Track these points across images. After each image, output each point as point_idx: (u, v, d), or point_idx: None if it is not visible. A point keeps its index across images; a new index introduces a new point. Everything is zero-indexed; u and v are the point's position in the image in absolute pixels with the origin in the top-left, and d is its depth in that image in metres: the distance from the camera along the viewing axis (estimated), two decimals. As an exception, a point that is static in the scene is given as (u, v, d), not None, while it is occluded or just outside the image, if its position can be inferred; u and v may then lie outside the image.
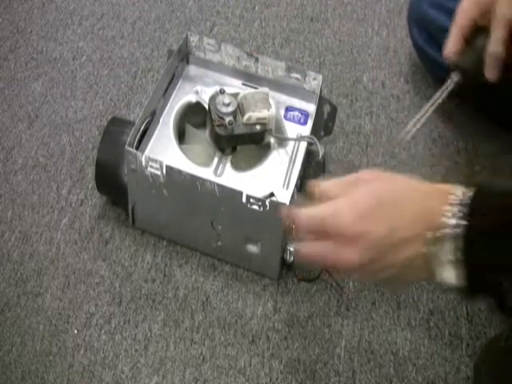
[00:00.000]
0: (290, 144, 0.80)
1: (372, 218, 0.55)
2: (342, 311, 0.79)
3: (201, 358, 0.75)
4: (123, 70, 1.04)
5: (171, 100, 0.83)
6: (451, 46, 0.75)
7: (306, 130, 0.81)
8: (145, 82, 1.02)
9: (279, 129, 0.81)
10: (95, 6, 1.13)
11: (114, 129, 0.82)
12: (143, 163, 0.73)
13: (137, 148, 0.76)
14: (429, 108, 0.74)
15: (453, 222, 0.51)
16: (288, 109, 0.84)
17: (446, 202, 0.52)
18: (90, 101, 0.99)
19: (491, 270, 0.50)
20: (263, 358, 0.75)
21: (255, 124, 0.77)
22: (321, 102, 0.82)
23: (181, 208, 0.77)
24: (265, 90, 0.79)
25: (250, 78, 0.85)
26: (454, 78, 0.73)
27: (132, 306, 0.79)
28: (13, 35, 1.08)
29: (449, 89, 0.73)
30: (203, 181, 0.71)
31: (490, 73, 0.72)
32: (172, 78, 0.84)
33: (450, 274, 0.52)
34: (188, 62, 0.87)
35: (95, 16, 1.12)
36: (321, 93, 0.81)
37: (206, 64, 0.87)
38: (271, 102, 0.78)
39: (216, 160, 0.79)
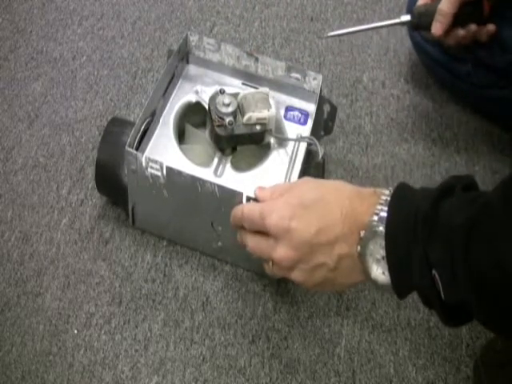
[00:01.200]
0: (290, 144, 0.80)
1: (299, 218, 0.58)
2: (342, 311, 0.79)
3: (201, 357, 0.75)
4: (123, 69, 1.04)
5: (171, 100, 0.83)
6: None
7: (306, 130, 0.81)
8: (145, 82, 1.02)
9: (279, 129, 0.81)
10: (95, 6, 1.13)
11: (114, 129, 0.81)
12: (143, 164, 0.73)
13: (137, 148, 0.76)
14: (367, 27, 0.85)
15: (377, 219, 0.54)
16: (288, 109, 0.84)
17: (377, 202, 0.55)
18: (89, 101, 0.99)
19: (412, 264, 0.51)
20: (263, 357, 0.75)
21: (255, 124, 0.77)
22: (321, 101, 0.82)
23: (181, 208, 0.77)
24: (265, 89, 0.79)
25: (249, 78, 0.85)
26: (403, 18, 0.84)
27: (132, 305, 0.79)
28: (13, 35, 1.08)
29: (394, 22, 0.84)
30: (203, 182, 0.71)
31: (435, 27, 0.81)
32: (172, 78, 0.84)
33: (379, 272, 0.54)
34: (188, 62, 0.87)
35: (95, 16, 1.12)
36: (321, 92, 0.81)
37: (206, 63, 0.87)
38: (271, 101, 0.78)
39: (216, 160, 0.79)
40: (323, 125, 0.85)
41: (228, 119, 0.75)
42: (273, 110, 0.77)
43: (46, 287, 0.80)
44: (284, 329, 0.77)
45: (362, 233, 0.55)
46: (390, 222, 0.53)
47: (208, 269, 0.82)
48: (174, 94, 0.83)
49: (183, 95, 0.83)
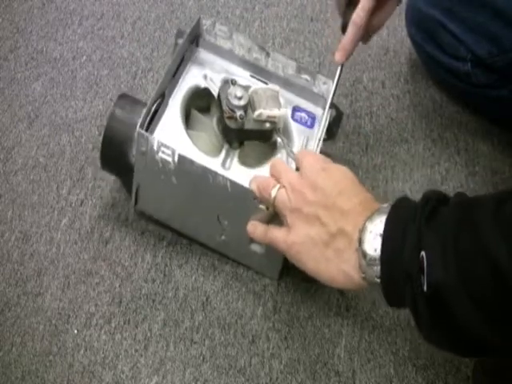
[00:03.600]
0: (297, 144, 0.80)
1: (332, 174, 0.62)
2: (341, 311, 0.79)
3: (201, 357, 0.75)
4: (123, 69, 1.04)
5: (180, 82, 0.81)
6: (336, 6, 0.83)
7: (313, 133, 0.81)
8: (145, 82, 1.02)
9: (286, 128, 0.81)
10: (95, 6, 1.13)
11: (125, 105, 0.79)
12: (155, 148, 0.71)
13: (147, 129, 0.74)
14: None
15: (386, 205, 0.56)
16: (295, 109, 0.83)
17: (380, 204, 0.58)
18: (89, 101, 0.99)
19: (406, 242, 0.52)
20: (263, 357, 0.75)
21: (265, 121, 0.76)
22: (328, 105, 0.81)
23: (188, 197, 0.76)
24: (275, 87, 0.78)
25: (258, 71, 0.84)
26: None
27: (132, 305, 0.79)
28: (13, 35, 1.08)
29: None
30: (216, 174, 0.70)
31: (337, 56, 0.80)
32: (181, 61, 0.82)
33: (372, 247, 0.54)
34: (198, 45, 0.86)
35: (95, 16, 1.12)
36: (332, 100, 0.80)
37: (216, 50, 0.85)
38: (281, 100, 0.77)
39: (224, 152, 0.78)
40: (327, 129, 0.83)
41: (239, 113, 0.75)
42: (284, 110, 0.77)
43: (46, 287, 0.80)
44: (284, 329, 0.77)
45: (368, 215, 0.56)
46: (395, 205, 0.55)
47: (208, 269, 0.82)
48: (182, 77, 0.82)
49: (191, 79, 0.82)
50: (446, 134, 0.98)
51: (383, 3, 0.78)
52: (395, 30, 1.10)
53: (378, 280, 0.54)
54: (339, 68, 0.79)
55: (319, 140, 0.76)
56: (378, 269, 0.54)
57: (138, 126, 0.71)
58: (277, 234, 0.64)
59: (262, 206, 0.68)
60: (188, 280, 0.81)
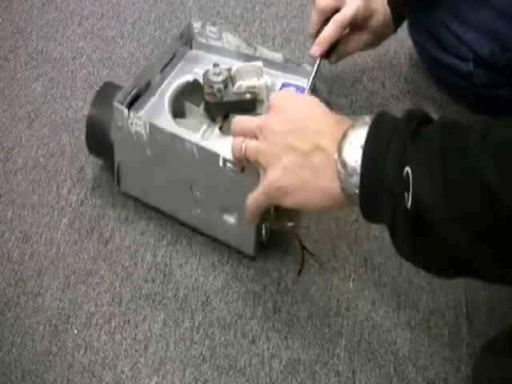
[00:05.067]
0: None
1: (298, 102, 0.62)
2: (341, 311, 0.79)
3: (201, 357, 0.75)
4: (123, 70, 1.04)
5: (170, 76, 0.84)
6: (310, 28, 0.86)
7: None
8: (145, 81, 1.02)
9: None
10: (95, 6, 1.13)
11: (107, 91, 0.83)
12: (129, 120, 0.74)
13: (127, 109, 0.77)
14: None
15: (367, 118, 0.55)
16: (284, 85, 0.84)
17: (358, 118, 0.56)
18: (89, 101, 0.99)
19: (388, 156, 0.51)
20: (263, 357, 0.75)
21: (245, 92, 0.78)
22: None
23: (162, 170, 0.78)
24: (258, 63, 0.81)
25: (250, 60, 0.85)
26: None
27: (132, 306, 0.79)
28: (13, 35, 1.08)
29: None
30: (183, 140, 0.72)
31: (313, 49, 0.83)
32: (173, 59, 0.85)
33: (352, 158, 0.53)
34: (191, 47, 0.88)
35: (95, 16, 1.12)
36: (316, 74, 0.81)
37: (208, 48, 0.88)
38: (264, 74, 0.80)
39: (205, 126, 0.80)
40: None
41: (217, 86, 0.77)
42: (263, 80, 0.79)
43: (46, 287, 0.80)
44: (284, 329, 0.77)
45: (347, 127, 0.55)
46: (377, 118, 0.54)
47: (208, 269, 0.82)
48: (173, 72, 0.85)
49: (182, 75, 0.85)
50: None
51: (367, 26, 0.82)
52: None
53: (357, 191, 0.53)
54: (317, 61, 0.82)
55: None
56: (357, 179, 0.53)
57: (114, 102, 0.75)
58: (260, 187, 0.63)
59: (231, 170, 0.70)
60: (188, 280, 0.81)
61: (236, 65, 0.81)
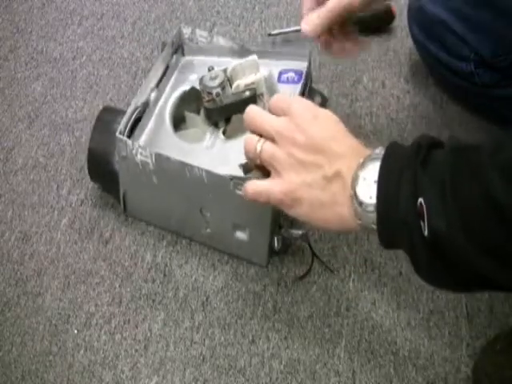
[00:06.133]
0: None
1: (323, 120, 0.60)
2: (341, 311, 0.79)
3: (201, 357, 0.75)
4: (123, 69, 1.04)
5: (167, 90, 0.83)
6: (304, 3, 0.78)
7: (299, 87, 0.80)
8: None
9: (273, 93, 0.79)
10: (95, 6, 1.13)
11: (106, 117, 0.83)
12: (133, 151, 0.74)
13: (128, 136, 0.76)
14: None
15: (378, 151, 0.55)
16: (282, 72, 0.83)
17: (373, 150, 0.57)
18: (89, 101, 0.99)
19: (401, 190, 0.51)
20: (263, 357, 0.75)
21: (244, 91, 0.77)
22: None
23: (170, 195, 0.77)
24: (253, 57, 0.78)
25: (245, 54, 0.83)
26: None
27: (132, 305, 0.79)
28: (13, 35, 1.08)
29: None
30: (191, 167, 0.72)
31: (304, 25, 0.75)
32: (167, 69, 0.84)
33: (367, 195, 0.54)
34: (183, 54, 0.87)
35: (95, 16, 1.12)
36: (310, 65, 0.80)
37: (201, 51, 0.86)
38: (260, 67, 0.78)
39: (208, 135, 0.79)
40: None
41: (215, 91, 0.76)
42: (260, 74, 0.77)
43: (46, 287, 0.80)
44: (284, 329, 0.77)
45: (362, 160, 0.55)
46: (388, 151, 0.54)
47: (208, 269, 0.82)
48: (169, 85, 0.83)
49: (179, 85, 0.83)
50: (446, 133, 0.98)
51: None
52: (395, 31, 1.10)
53: (374, 226, 0.54)
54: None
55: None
56: (374, 215, 0.53)
57: (117, 133, 0.74)
58: (269, 185, 0.61)
59: (239, 192, 0.68)
60: (188, 280, 0.81)
61: (231, 64, 0.79)
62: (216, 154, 0.77)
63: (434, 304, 0.79)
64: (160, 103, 0.81)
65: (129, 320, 0.78)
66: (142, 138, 0.78)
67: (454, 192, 0.48)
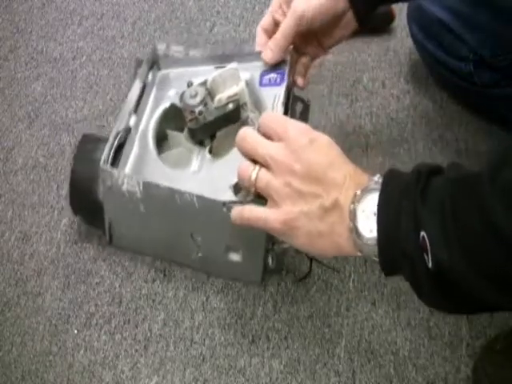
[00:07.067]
0: (269, 109, 0.75)
1: (320, 145, 0.58)
2: (341, 311, 0.79)
3: (201, 357, 0.75)
4: (123, 69, 1.04)
5: (147, 112, 0.79)
6: (263, 22, 0.78)
7: (281, 89, 0.75)
8: (145, 81, 1.02)
9: (257, 100, 0.76)
10: (95, 6, 1.13)
11: (87, 145, 0.79)
12: (119, 180, 0.71)
13: (112, 165, 0.72)
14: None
15: (376, 179, 0.55)
16: (263, 74, 0.78)
17: (372, 175, 0.56)
18: (89, 101, 0.99)
19: (401, 222, 0.51)
20: (263, 358, 0.75)
21: (227, 104, 0.73)
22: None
23: (159, 222, 0.75)
24: (233, 65, 0.74)
25: (224, 59, 0.80)
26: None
27: (132, 305, 0.79)
28: (13, 35, 1.08)
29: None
30: (182, 193, 0.69)
31: (265, 54, 0.76)
32: (144, 88, 0.80)
33: (367, 229, 0.53)
34: (159, 68, 0.83)
35: (95, 16, 1.12)
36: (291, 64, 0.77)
37: (177, 62, 0.83)
38: (241, 75, 0.74)
39: (194, 155, 0.76)
40: None
41: (198, 110, 0.73)
42: (242, 83, 0.73)
43: (46, 287, 0.80)
44: (284, 329, 0.77)
45: (359, 190, 0.54)
46: (386, 181, 0.54)
47: (208, 269, 0.82)
48: (148, 106, 0.80)
49: (159, 104, 0.79)
50: (446, 134, 0.98)
51: (337, 22, 0.75)
52: (395, 31, 1.10)
53: (376, 258, 0.54)
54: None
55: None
56: (375, 248, 0.53)
57: (101, 162, 0.71)
58: (266, 214, 0.59)
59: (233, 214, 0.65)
60: (188, 280, 0.81)
61: (210, 75, 0.74)
62: (204, 177, 0.73)
63: (434, 304, 0.79)
64: (141, 127, 0.77)
65: (129, 320, 0.78)
66: (128, 167, 0.74)
67: (455, 223, 0.47)
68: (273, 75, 0.77)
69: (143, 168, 0.74)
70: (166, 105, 0.79)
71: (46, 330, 0.77)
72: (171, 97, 0.79)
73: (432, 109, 1.00)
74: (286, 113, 0.75)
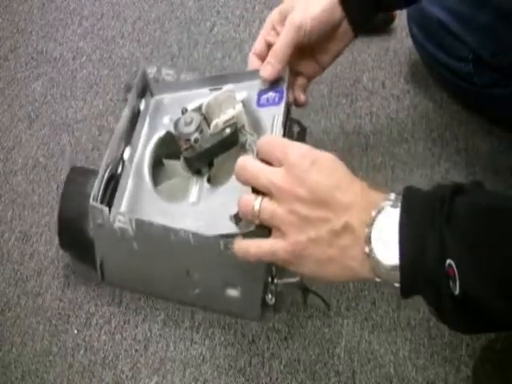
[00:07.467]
0: (268, 130, 0.72)
1: (323, 166, 0.56)
2: (341, 311, 0.79)
3: (201, 357, 0.75)
4: (123, 70, 1.04)
5: (141, 143, 0.76)
6: (256, 47, 0.76)
7: (280, 108, 0.72)
8: (145, 82, 1.02)
9: (255, 122, 0.73)
10: (95, 6, 1.13)
11: (76, 179, 0.76)
12: (110, 218, 0.68)
13: (102, 200, 0.69)
14: None
15: (393, 198, 0.52)
16: (260, 94, 0.74)
17: (388, 193, 0.54)
18: (89, 101, 0.99)
19: (427, 251, 0.49)
20: (263, 358, 0.75)
21: (224, 129, 0.69)
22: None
23: (153, 260, 0.72)
24: (228, 87, 0.71)
25: (217, 81, 0.77)
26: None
27: (132, 306, 0.79)
28: (13, 35, 1.08)
29: None
30: (176, 231, 0.66)
31: (263, 70, 0.73)
32: (135, 116, 0.77)
33: (385, 256, 0.51)
34: (152, 94, 0.80)
35: (95, 16, 1.12)
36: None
37: (171, 87, 0.79)
38: (237, 95, 0.71)
39: (192, 185, 0.73)
40: None
41: (193, 137, 0.69)
42: (239, 106, 0.69)
43: (45, 287, 0.80)
44: (284, 329, 0.77)
45: (374, 212, 0.52)
46: (406, 204, 0.51)
47: (208, 269, 0.82)
48: (142, 137, 0.76)
49: (153, 134, 0.76)
50: (446, 134, 0.98)
51: (334, 33, 0.74)
52: (395, 31, 1.10)
53: (397, 285, 0.52)
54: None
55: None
56: (395, 275, 0.51)
57: (90, 200, 0.68)
58: (273, 247, 0.57)
59: (233, 252, 0.63)
60: (188, 280, 0.81)
61: (205, 99, 0.71)
62: (203, 209, 0.70)
63: (434, 304, 0.79)
64: (136, 159, 0.74)
65: (129, 320, 0.78)
66: (123, 204, 0.71)
67: (487, 253, 0.46)
68: (271, 94, 0.74)
69: (139, 204, 0.71)
70: (160, 134, 0.76)
71: (46, 329, 0.77)
72: (166, 124, 0.76)
73: (432, 109, 1.01)
74: (284, 133, 0.73)
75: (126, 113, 0.75)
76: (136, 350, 0.75)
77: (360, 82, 1.03)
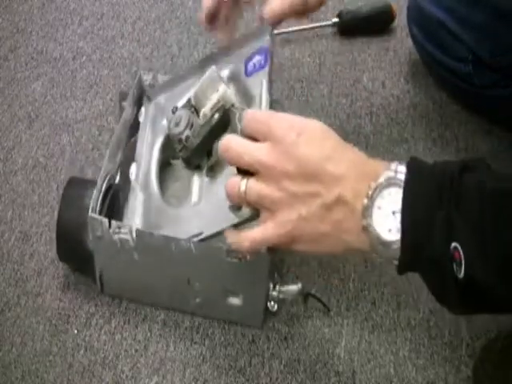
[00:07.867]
0: (257, 100, 0.69)
1: (311, 138, 0.53)
2: (342, 311, 0.79)
3: (201, 357, 0.75)
4: (123, 70, 1.04)
5: (145, 152, 0.75)
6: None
7: (266, 71, 0.70)
8: (145, 82, 1.02)
9: (246, 94, 0.71)
10: (95, 6, 1.13)
11: (74, 191, 0.76)
12: (110, 230, 0.67)
13: (100, 211, 0.69)
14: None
15: (394, 168, 0.49)
16: (247, 61, 0.72)
17: (389, 163, 0.51)
18: (89, 101, 0.99)
19: (433, 230, 0.47)
20: (263, 358, 0.75)
21: (212, 116, 0.66)
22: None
23: (153, 269, 0.72)
24: (210, 70, 0.68)
25: (206, 64, 0.75)
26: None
27: (132, 306, 0.79)
28: (13, 35, 1.08)
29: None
30: (178, 241, 0.66)
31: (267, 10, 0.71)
32: (134, 127, 0.77)
33: (385, 229, 0.49)
34: (150, 99, 0.80)
35: (95, 16, 1.12)
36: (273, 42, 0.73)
37: (166, 86, 0.79)
38: (222, 73, 0.70)
39: (194, 184, 0.73)
40: None
41: (184, 136, 0.69)
42: (222, 86, 0.66)
43: (46, 287, 0.80)
44: (284, 329, 0.77)
45: (373, 184, 0.49)
46: (411, 178, 0.48)
47: (208, 269, 0.82)
48: (145, 146, 0.75)
49: (155, 139, 0.76)
50: (446, 133, 0.98)
51: None
52: (395, 31, 1.10)
53: (396, 262, 0.49)
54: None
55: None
56: (395, 251, 0.49)
57: (89, 211, 0.67)
58: (264, 231, 0.54)
59: (236, 257, 0.63)
60: (188, 280, 0.81)
61: (192, 90, 0.69)
62: (205, 207, 0.69)
63: (434, 304, 0.79)
64: (142, 171, 0.73)
65: (129, 320, 0.78)
66: (138, 222, 0.70)
67: (495, 238, 0.45)
68: (257, 58, 0.71)
69: (151, 217, 0.71)
70: (160, 139, 0.75)
71: (45, 329, 0.77)
72: (165, 127, 0.75)
73: (432, 109, 1.01)
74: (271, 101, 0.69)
75: (121, 121, 0.74)
76: (136, 350, 0.75)
77: (360, 81, 1.03)
